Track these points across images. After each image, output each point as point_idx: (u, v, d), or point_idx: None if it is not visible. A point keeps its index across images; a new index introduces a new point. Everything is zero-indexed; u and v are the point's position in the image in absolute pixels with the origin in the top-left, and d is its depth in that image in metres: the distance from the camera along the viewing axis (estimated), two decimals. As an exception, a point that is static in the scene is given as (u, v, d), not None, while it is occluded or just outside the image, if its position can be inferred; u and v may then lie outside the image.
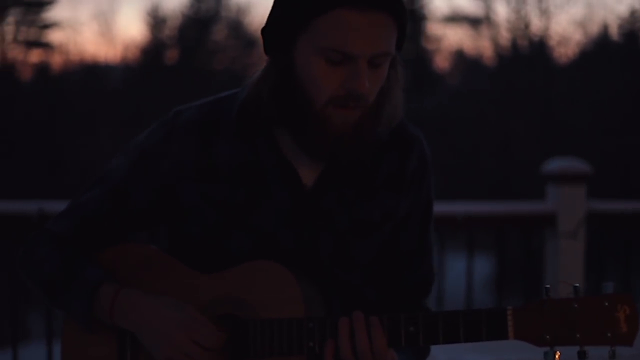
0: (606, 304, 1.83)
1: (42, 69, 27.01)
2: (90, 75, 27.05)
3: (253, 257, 1.98)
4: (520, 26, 25.41)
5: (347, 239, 2.03)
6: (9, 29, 26.19)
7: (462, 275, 4.98)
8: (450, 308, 4.50)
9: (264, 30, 1.97)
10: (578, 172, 4.95)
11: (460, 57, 28.64)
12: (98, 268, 2.02)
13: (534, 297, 2.04)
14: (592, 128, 22.79)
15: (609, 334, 1.82)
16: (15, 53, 26.50)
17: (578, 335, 1.82)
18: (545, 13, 25.08)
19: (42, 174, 22.09)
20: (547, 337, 1.83)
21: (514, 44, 25.80)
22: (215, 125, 2.03)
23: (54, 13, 34.16)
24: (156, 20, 27.21)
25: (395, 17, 1.90)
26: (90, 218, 2.06)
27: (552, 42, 25.43)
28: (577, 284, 1.86)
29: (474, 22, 27.12)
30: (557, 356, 1.83)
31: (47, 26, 26.95)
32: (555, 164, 5.00)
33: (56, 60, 28.08)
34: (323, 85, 1.90)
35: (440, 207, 4.93)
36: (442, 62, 29.44)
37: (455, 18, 27.91)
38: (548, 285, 1.87)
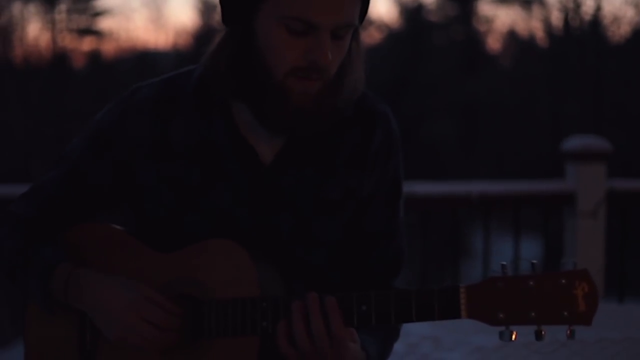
0: (563, 281, 1.75)
1: (94, 56, 27.29)
2: (142, 62, 27.25)
3: (210, 236, 1.95)
4: (572, 6, 25.06)
5: (308, 218, 1.99)
6: (61, 17, 26.43)
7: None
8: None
9: None
10: (598, 150, 4.84)
11: (512, 38, 28.38)
12: (56, 249, 2.00)
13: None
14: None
15: (565, 313, 1.74)
16: (67, 41, 26.77)
17: (533, 314, 1.75)
18: (597, -8, 24.71)
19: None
20: (501, 315, 1.76)
21: (566, 24, 25.46)
22: (171, 101, 1.99)
23: (104, 1, 34.46)
24: (207, 6, 27.34)
25: None
26: (51, 198, 2.04)
27: (605, 21, 25.05)
28: (535, 261, 1.79)
29: (525, 2, 26.82)
30: (513, 336, 1.77)
31: (98, 14, 27.21)
32: (575, 142, 4.90)
33: (108, 48, 28.41)
34: (284, 56, 1.85)
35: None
36: (494, 43, 29.19)
37: (506, -1, 27.60)
38: (504, 262, 1.81)
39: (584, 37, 24.82)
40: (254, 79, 1.89)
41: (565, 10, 25.26)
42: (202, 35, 27.00)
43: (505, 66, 28.34)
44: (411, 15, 28.46)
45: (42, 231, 2.04)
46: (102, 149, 2.01)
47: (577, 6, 24.92)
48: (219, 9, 1.94)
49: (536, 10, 26.40)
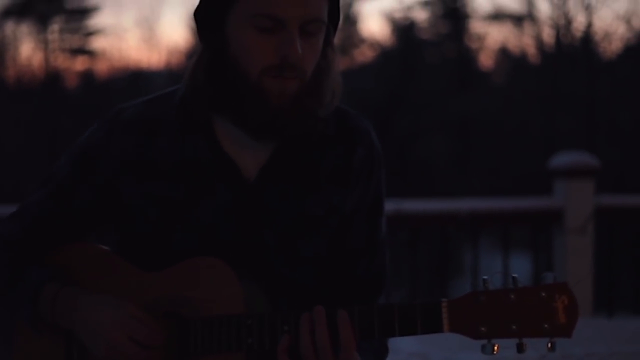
0: (543, 294, 1.77)
1: (87, 76, 27.27)
2: (135, 81, 27.23)
3: (197, 254, 1.96)
4: (563, 22, 25.14)
5: (291, 235, 2.00)
6: (53, 37, 26.44)
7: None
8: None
9: (196, 12, 1.96)
10: (586, 166, 4.87)
11: (504, 55, 28.44)
12: (43, 269, 2.02)
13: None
14: (633, 123, 22.49)
15: (546, 325, 1.76)
16: (59, 61, 26.77)
17: (514, 327, 1.77)
18: (588, 8, 24.79)
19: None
20: (483, 329, 1.78)
21: (557, 41, 25.53)
22: (155, 122, 2.01)
23: (97, 20, 34.52)
24: (199, 25, 27.31)
25: None
26: (37, 219, 2.06)
27: (596, 37, 25.13)
28: (515, 275, 1.81)
29: (516, 19, 26.90)
30: (495, 349, 1.79)
31: (90, 33, 27.20)
32: (563, 159, 4.92)
33: (101, 68, 28.36)
34: (256, 55, 1.88)
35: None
36: (486, 60, 29.25)
37: (498, 16, 27.70)
38: (486, 277, 1.83)
39: (575, 53, 24.88)
40: (231, 85, 1.92)
41: (556, 27, 25.34)
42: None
43: (498, 83, 28.39)
44: (403, 33, 28.50)
45: (28, 252, 2.05)
46: (88, 169, 2.03)
47: (569, 22, 25.01)
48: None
49: (527, 27, 26.48)
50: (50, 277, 2.00)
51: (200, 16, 1.95)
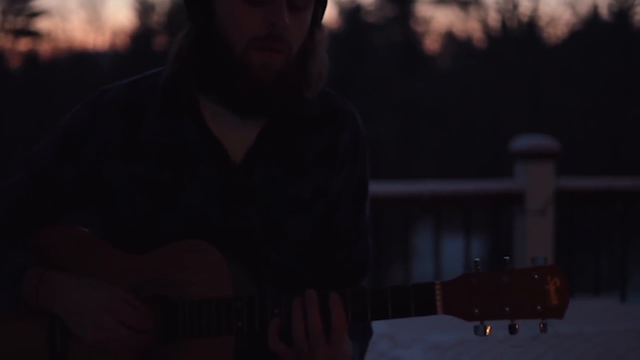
0: (536, 276, 1.79)
1: (31, 57, 26.95)
2: (79, 62, 26.97)
3: (183, 237, 1.95)
4: (509, 7, 25.32)
5: (278, 217, 2.00)
6: (-4, 17, 26.08)
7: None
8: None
9: None
10: (546, 149, 4.91)
11: (450, 39, 28.60)
12: (25, 252, 1.99)
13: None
14: (579, 107, 22.76)
15: (539, 307, 1.78)
16: (3, 42, 26.43)
17: (507, 309, 1.78)
18: (533, -7, 24.99)
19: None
20: (476, 311, 1.79)
21: (503, 25, 25.73)
22: (140, 103, 1.99)
23: (41, 1, 34.09)
24: (144, 7, 27.15)
25: None
26: (18, 202, 2.02)
27: (541, 22, 25.36)
28: (507, 257, 1.82)
29: (463, 3, 27.06)
30: (487, 330, 1.80)
31: (34, 14, 26.87)
32: (524, 142, 4.96)
33: (45, 49, 28.05)
34: (244, 26, 1.87)
35: (411, 187, 4.93)
36: (431, 44, 29.39)
37: (444, 0, 27.82)
38: (477, 259, 1.84)
39: (521, 38, 25.09)
40: (217, 60, 1.90)
41: (502, 12, 25.52)
42: (140, 36, 26.79)
43: (443, 66, 28.55)
44: (350, 16, 28.56)
45: (9, 235, 2.02)
46: (71, 152, 2.00)
47: (514, 7, 25.20)
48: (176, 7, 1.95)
49: (473, 11, 26.64)
50: (34, 260, 1.97)
51: None
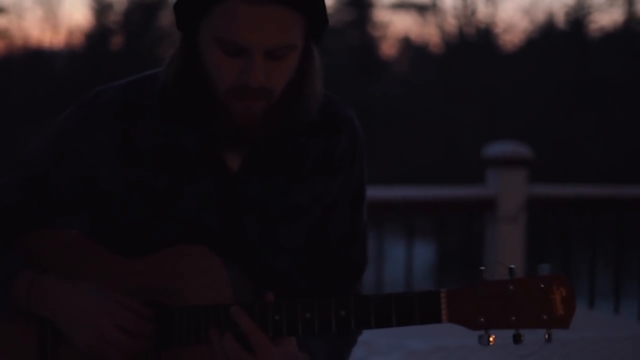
0: (542, 285, 1.79)
1: (-15, 54, 26.64)
2: (34, 60, 26.69)
3: (178, 242, 1.91)
4: (467, 13, 25.47)
5: (274, 224, 1.97)
6: (-50, 13, 25.78)
7: (401, 263, 4.94)
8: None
9: (175, 6, 1.88)
10: (518, 156, 4.93)
11: (407, 44, 28.68)
12: (16, 255, 1.94)
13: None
14: (537, 115, 22.95)
15: (544, 317, 1.78)
16: (-44, 38, 26.11)
17: (513, 318, 1.78)
18: (491, 0, 25.17)
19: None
20: (482, 320, 1.78)
21: (461, 31, 25.87)
22: (137, 106, 1.95)
23: (-4, -2, 33.71)
24: (101, 5, 26.93)
25: (298, 10, 1.82)
26: (8, 204, 1.97)
27: (498, 29, 25.53)
28: (513, 266, 1.82)
29: (420, 8, 27.14)
30: (491, 340, 1.79)
31: (-11, 11, 26.56)
32: (496, 148, 4.98)
33: (-1, 46, 27.70)
34: (220, 75, 1.83)
35: (381, 193, 4.93)
36: (388, 49, 29.49)
37: (402, 5, 27.93)
38: (483, 267, 1.83)
39: (477, 44, 25.24)
40: (201, 92, 1.87)
41: (459, 18, 25.67)
42: (96, 34, 26.57)
43: (400, 72, 28.62)
44: (307, 19, 28.54)
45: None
46: (63, 154, 1.95)
47: (472, 13, 25.35)
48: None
49: (431, 17, 26.76)
50: (25, 263, 1.92)
51: (178, 12, 1.88)
